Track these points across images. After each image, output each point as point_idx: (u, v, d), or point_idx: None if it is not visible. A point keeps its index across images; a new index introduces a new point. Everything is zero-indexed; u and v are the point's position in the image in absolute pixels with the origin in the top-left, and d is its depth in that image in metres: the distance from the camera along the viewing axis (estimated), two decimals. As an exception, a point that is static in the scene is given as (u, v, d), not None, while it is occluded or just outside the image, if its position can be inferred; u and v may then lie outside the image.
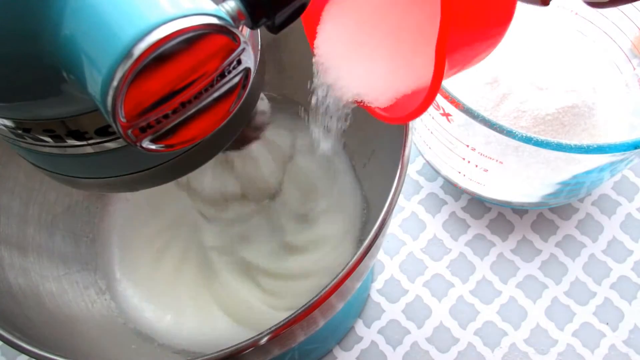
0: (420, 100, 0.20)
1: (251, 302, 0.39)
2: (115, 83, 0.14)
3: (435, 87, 0.19)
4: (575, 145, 0.33)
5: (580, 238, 0.46)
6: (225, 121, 0.17)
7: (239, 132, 0.21)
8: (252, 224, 0.41)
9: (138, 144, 0.15)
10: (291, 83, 0.39)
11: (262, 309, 0.38)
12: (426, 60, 0.20)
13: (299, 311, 0.24)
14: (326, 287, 0.24)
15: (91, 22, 0.14)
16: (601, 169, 0.37)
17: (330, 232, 0.40)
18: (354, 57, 0.23)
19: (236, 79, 0.16)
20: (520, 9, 0.20)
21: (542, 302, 0.44)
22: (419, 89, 0.22)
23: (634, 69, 0.42)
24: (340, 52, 0.23)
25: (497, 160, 0.38)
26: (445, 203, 0.47)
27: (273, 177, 0.42)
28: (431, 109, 0.38)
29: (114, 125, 0.14)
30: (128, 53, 0.13)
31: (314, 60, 0.23)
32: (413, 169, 0.49)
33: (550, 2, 0.20)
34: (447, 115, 0.37)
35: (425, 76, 0.21)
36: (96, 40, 0.14)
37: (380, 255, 0.45)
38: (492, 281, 0.44)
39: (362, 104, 0.23)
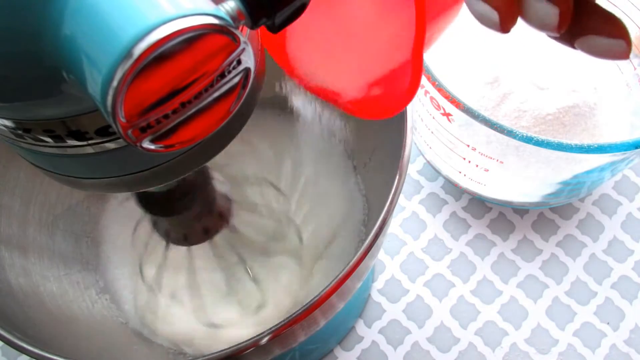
0: (405, 86, 0.19)
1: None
2: (115, 83, 0.14)
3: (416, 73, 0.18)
4: (576, 145, 0.33)
5: (581, 238, 0.46)
6: (225, 121, 0.17)
7: (239, 133, 0.21)
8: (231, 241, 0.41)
9: (138, 144, 0.15)
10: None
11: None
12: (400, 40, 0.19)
13: (300, 311, 0.24)
14: (327, 287, 0.24)
15: (91, 22, 0.14)
16: (602, 169, 0.37)
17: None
18: (322, 54, 0.22)
19: (236, 79, 0.16)
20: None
21: (542, 301, 0.44)
22: (392, 74, 0.20)
23: (635, 68, 0.42)
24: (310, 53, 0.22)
25: (497, 160, 0.38)
26: (446, 203, 0.47)
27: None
28: (432, 109, 0.38)
29: (113, 125, 0.14)
30: (128, 53, 0.13)
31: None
32: (414, 168, 0.49)
33: (511, 30, 0.19)
34: (447, 115, 0.37)
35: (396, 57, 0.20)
36: (96, 40, 0.14)
37: (381, 255, 0.45)
38: (493, 281, 0.44)
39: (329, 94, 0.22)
